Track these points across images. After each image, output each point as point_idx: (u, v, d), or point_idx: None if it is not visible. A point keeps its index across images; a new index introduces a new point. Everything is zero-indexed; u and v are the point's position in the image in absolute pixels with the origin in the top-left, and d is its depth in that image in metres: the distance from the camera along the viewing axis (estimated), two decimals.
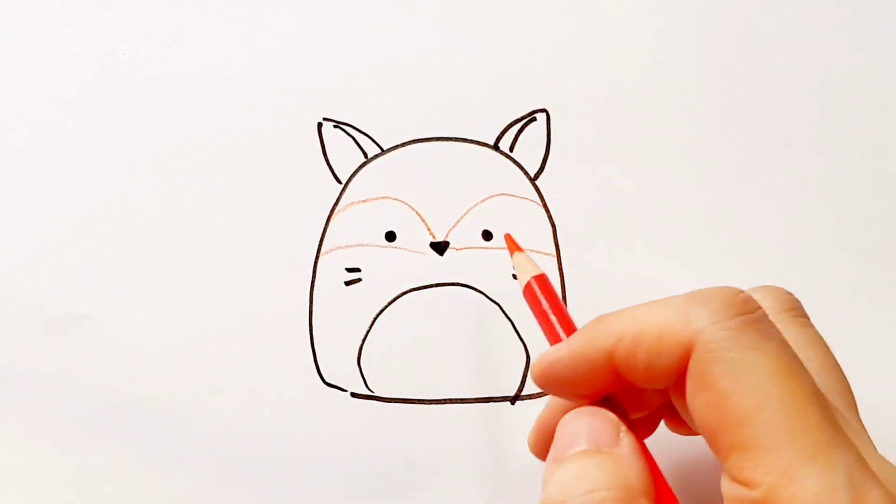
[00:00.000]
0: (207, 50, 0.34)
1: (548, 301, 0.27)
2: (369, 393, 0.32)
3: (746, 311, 0.22)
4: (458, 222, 0.33)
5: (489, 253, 0.33)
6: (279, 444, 0.31)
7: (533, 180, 0.33)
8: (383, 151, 0.33)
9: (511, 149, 0.33)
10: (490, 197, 0.33)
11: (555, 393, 0.25)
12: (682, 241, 0.33)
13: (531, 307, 0.27)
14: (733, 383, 0.21)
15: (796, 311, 0.27)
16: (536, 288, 0.27)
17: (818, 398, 0.21)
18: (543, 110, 0.34)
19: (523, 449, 0.31)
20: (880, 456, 0.23)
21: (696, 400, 0.22)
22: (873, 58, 0.34)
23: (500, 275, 0.33)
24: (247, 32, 0.34)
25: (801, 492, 0.20)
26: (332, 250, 0.33)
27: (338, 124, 0.33)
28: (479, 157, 0.33)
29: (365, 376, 0.32)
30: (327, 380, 0.32)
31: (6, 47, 0.34)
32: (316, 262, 0.33)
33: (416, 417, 0.31)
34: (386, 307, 0.32)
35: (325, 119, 0.33)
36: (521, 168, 0.33)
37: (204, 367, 0.32)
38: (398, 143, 0.33)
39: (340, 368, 0.32)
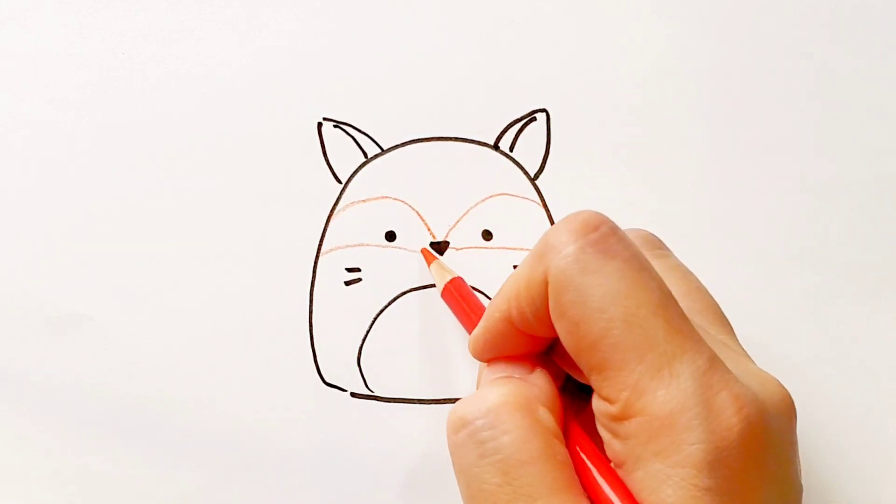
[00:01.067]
0: (207, 50, 0.34)
1: (466, 302, 0.30)
2: (369, 393, 0.32)
3: (590, 232, 0.22)
4: (458, 222, 0.33)
5: (489, 253, 0.33)
6: (279, 444, 0.31)
7: (533, 180, 0.33)
8: (383, 151, 0.33)
9: (511, 149, 0.33)
10: (490, 197, 0.33)
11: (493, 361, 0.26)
12: (683, 241, 0.33)
13: (452, 309, 0.30)
14: (581, 310, 0.22)
15: (654, 243, 0.27)
16: (454, 291, 0.30)
17: (664, 310, 0.22)
18: (543, 110, 0.34)
19: None
20: (755, 366, 0.24)
21: (558, 328, 0.23)
22: (877, 58, 0.34)
23: (500, 275, 0.32)
24: (247, 32, 0.34)
25: (651, 403, 0.21)
26: (332, 250, 0.33)
27: (338, 124, 0.33)
28: (479, 157, 0.33)
29: (365, 376, 0.32)
30: (327, 380, 0.32)
31: (6, 47, 0.34)
32: (316, 262, 0.33)
33: (416, 417, 0.31)
34: (386, 307, 0.32)
35: (325, 119, 0.33)
36: (521, 168, 0.33)
37: (204, 367, 0.32)
38: (398, 143, 0.33)
39: (340, 368, 0.32)
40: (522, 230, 0.33)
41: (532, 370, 0.25)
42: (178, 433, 0.31)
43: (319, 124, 0.33)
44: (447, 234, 0.33)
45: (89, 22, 0.34)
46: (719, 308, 0.26)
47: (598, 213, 0.23)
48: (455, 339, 0.32)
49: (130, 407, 0.32)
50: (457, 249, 0.33)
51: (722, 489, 0.20)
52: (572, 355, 0.23)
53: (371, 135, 0.33)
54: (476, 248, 0.33)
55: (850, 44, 0.34)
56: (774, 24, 0.34)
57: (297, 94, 0.34)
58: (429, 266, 0.32)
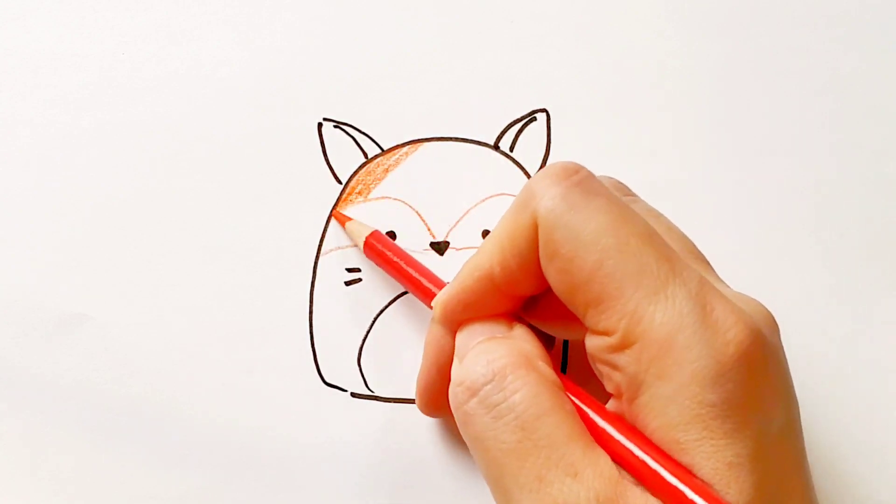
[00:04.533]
0: (207, 50, 0.34)
1: (390, 251, 0.31)
2: (369, 393, 0.32)
3: (571, 175, 0.23)
4: (458, 222, 0.33)
5: None
6: (279, 444, 0.31)
7: None
8: (383, 151, 0.33)
9: (511, 149, 0.33)
10: (490, 197, 0.33)
11: (455, 326, 0.27)
12: None
13: (377, 261, 0.31)
14: (573, 245, 0.22)
15: (623, 189, 0.28)
16: (376, 243, 0.31)
17: (652, 239, 0.23)
18: (543, 110, 0.34)
19: None
20: (733, 290, 0.24)
21: (549, 271, 0.23)
22: (879, 58, 0.34)
23: None
24: (247, 32, 0.34)
25: (649, 327, 0.21)
26: (332, 250, 0.33)
27: (338, 124, 0.33)
28: (479, 157, 0.33)
29: (365, 376, 0.32)
30: (327, 380, 0.32)
31: (6, 47, 0.34)
32: (316, 262, 0.33)
33: (416, 417, 0.31)
34: (386, 307, 0.32)
35: (325, 119, 0.33)
36: (521, 168, 0.33)
37: (204, 367, 0.32)
38: (398, 143, 0.33)
39: (340, 368, 0.32)
40: None
41: (511, 328, 0.26)
42: (178, 433, 0.31)
43: (319, 124, 0.33)
44: (447, 234, 0.33)
45: (89, 22, 0.34)
46: (694, 245, 0.26)
47: (574, 162, 0.24)
48: None
49: (130, 407, 0.32)
50: (457, 249, 0.33)
51: (727, 403, 0.21)
52: (564, 297, 0.23)
53: (371, 135, 0.33)
54: (476, 248, 0.33)
55: (854, 43, 0.34)
56: (777, 25, 0.34)
57: (297, 94, 0.34)
58: (343, 227, 0.32)
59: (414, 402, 0.31)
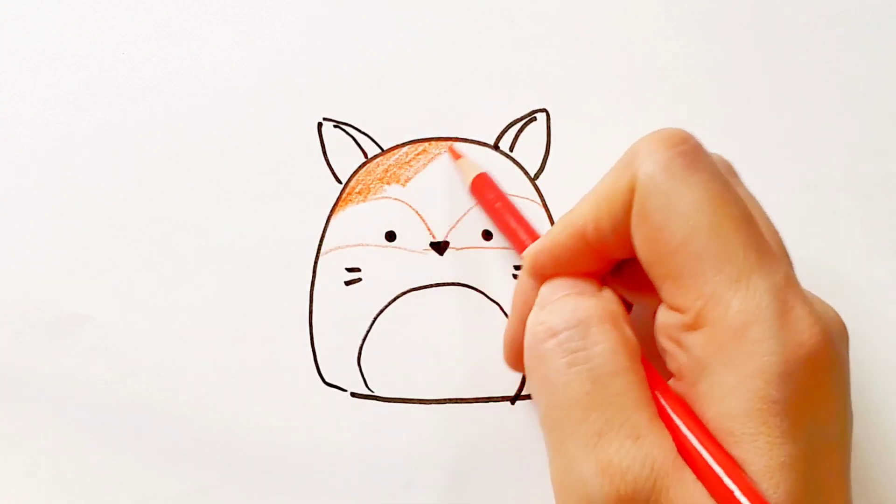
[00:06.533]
0: (207, 50, 0.34)
1: (494, 194, 0.31)
2: (369, 393, 0.32)
3: (679, 144, 0.23)
4: (458, 222, 0.33)
5: (489, 253, 0.33)
6: (279, 444, 0.31)
7: (533, 180, 0.33)
8: (383, 151, 0.33)
9: (511, 149, 0.33)
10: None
11: (543, 280, 0.26)
12: None
13: (480, 201, 0.32)
14: (665, 215, 0.22)
15: (730, 170, 0.27)
16: (482, 186, 0.32)
17: (746, 224, 0.22)
18: (543, 110, 0.34)
19: (523, 449, 0.31)
20: (810, 293, 0.23)
21: (637, 236, 0.23)
22: (879, 58, 0.34)
23: (500, 275, 0.33)
24: (247, 32, 0.34)
25: (724, 313, 0.21)
26: (332, 250, 0.33)
27: (338, 124, 0.33)
28: (479, 157, 0.33)
29: (365, 376, 0.32)
30: (327, 380, 0.32)
31: (6, 47, 0.34)
32: (316, 262, 0.33)
33: (416, 417, 0.31)
34: (386, 307, 0.32)
35: (325, 119, 0.33)
36: (521, 168, 0.33)
37: (204, 367, 0.32)
38: (398, 143, 0.33)
39: (340, 368, 0.32)
40: None
41: (600, 289, 0.25)
42: (178, 433, 0.31)
43: (319, 124, 0.33)
44: (447, 234, 0.33)
45: (89, 22, 0.34)
46: (782, 241, 0.26)
47: (685, 130, 0.23)
48: (455, 340, 0.32)
49: (130, 407, 0.32)
50: (457, 249, 0.33)
51: (788, 402, 0.20)
52: (646, 265, 0.23)
53: (371, 135, 0.33)
54: (476, 248, 0.33)
55: (851, 44, 0.34)
56: (777, 25, 0.34)
57: (297, 94, 0.34)
58: (455, 160, 0.33)
59: (414, 402, 0.31)
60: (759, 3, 0.34)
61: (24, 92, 0.34)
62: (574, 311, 0.23)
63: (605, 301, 0.24)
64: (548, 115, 0.34)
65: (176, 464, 0.31)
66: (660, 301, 0.23)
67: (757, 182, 0.33)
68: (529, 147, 0.33)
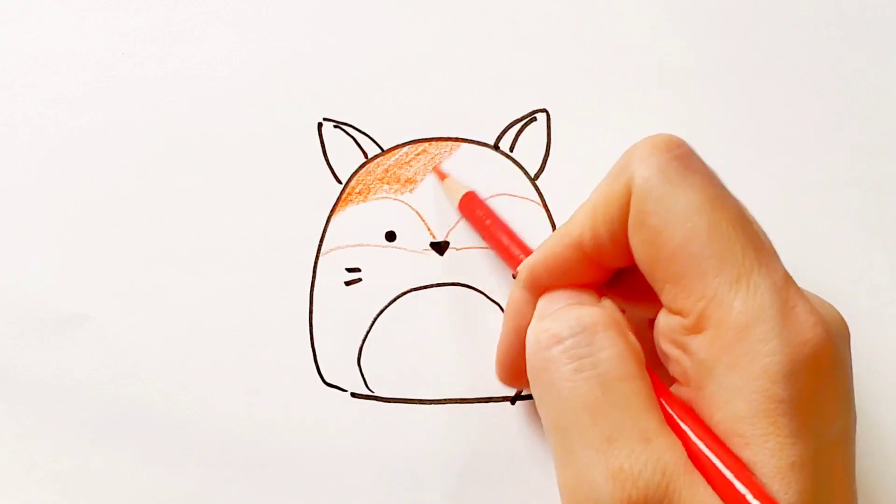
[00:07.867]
0: (207, 50, 0.34)
1: (483, 212, 0.31)
2: (369, 393, 0.32)
3: (673, 148, 0.23)
4: (458, 222, 0.33)
5: (489, 253, 0.33)
6: (279, 444, 0.31)
7: (533, 180, 0.33)
8: (383, 151, 0.33)
9: (511, 149, 0.33)
10: (490, 197, 0.33)
11: (539, 293, 0.26)
12: None
13: (469, 219, 0.32)
14: (663, 218, 0.22)
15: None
16: (470, 204, 0.32)
17: (744, 224, 0.22)
18: (543, 110, 0.34)
19: (523, 449, 0.31)
20: (809, 292, 0.23)
21: (635, 241, 0.23)
22: (880, 57, 0.34)
23: (500, 275, 0.33)
24: (247, 32, 0.34)
25: (727, 314, 0.21)
26: (332, 250, 0.33)
27: (338, 124, 0.33)
28: (479, 157, 0.33)
29: (365, 376, 0.32)
30: (327, 380, 0.32)
31: (6, 47, 0.34)
32: (316, 262, 0.33)
33: (416, 417, 0.31)
34: (386, 307, 0.32)
35: (325, 119, 0.33)
36: (521, 168, 0.33)
37: (204, 367, 0.32)
38: (398, 143, 0.33)
39: (340, 368, 0.32)
40: (522, 230, 0.33)
41: (599, 299, 0.25)
42: (179, 433, 0.31)
43: (319, 124, 0.33)
44: (447, 234, 0.33)
45: (89, 22, 0.34)
46: (772, 244, 0.26)
47: (677, 136, 0.23)
48: (455, 340, 0.32)
49: (130, 407, 0.32)
50: (457, 249, 0.33)
51: (795, 401, 0.20)
52: (645, 269, 0.23)
53: (371, 135, 0.33)
54: (476, 248, 0.33)
55: (855, 43, 0.34)
56: (777, 24, 0.34)
57: (297, 94, 0.34)
58: (442, 182, 0.33)
59: (414, 402, 0.31)
60: (759, 3, 0.34)
61: (24, 92, 0.34)
62: (578, 318, 0.23)
63: (607, 309, 0.24)
64: (548, 115, 0.34)
65: (176, 464, 0.31)
66: (656, 310, 0.23)
67: (757, 182, 0.33)
68: (529, 147, 0.33)
